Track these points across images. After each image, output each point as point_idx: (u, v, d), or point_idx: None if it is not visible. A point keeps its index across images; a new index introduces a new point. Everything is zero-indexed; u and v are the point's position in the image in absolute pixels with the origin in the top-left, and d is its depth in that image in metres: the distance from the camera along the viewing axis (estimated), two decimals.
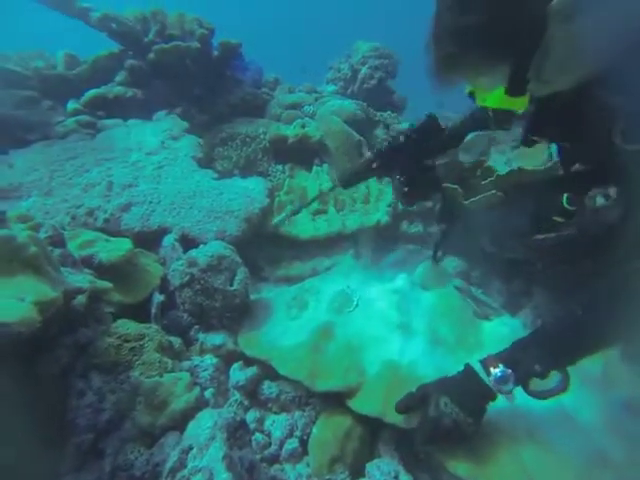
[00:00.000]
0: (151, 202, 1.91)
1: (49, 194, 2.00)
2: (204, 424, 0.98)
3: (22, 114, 2.66)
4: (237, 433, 1.05)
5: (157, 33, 2.67)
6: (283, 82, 3.62)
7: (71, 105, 2.78)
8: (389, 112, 3.05)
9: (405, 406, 1.07)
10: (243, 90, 2.92)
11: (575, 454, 1.01)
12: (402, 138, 1.52)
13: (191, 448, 0.93)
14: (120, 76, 2.72)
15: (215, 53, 2.83)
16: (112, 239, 1.60)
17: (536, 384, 1.04)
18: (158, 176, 2.07)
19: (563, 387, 1.02)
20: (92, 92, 2.61)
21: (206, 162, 2.39)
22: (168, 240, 1.81)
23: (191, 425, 1.01)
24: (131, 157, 2.17)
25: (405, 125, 3.00)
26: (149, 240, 1.83)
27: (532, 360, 1.02)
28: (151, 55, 2.56)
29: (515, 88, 0.87)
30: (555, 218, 1.42)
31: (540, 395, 1.04)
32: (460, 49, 0.86)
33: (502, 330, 1.45)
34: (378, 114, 2.99)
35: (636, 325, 0.98)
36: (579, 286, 1.33)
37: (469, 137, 1.63)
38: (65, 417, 1.01)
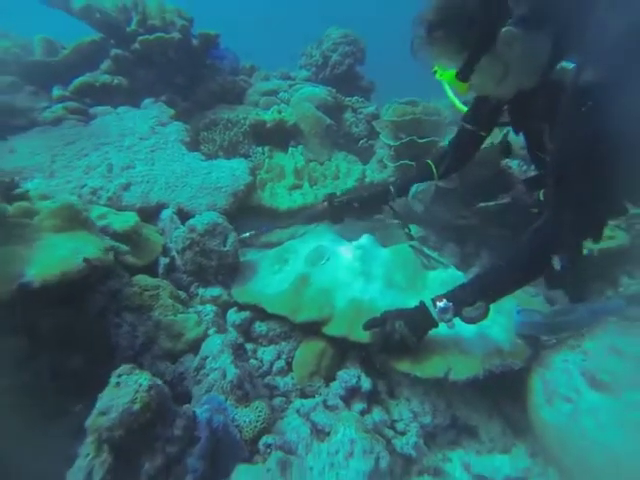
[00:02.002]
0: (148, 182, 2.18)
1: (52, 176, 2.22)
2: (215, 341, 1.32)
3: (5, 99, 2.79)
4: (238, 351, 1.39)
5: (139, 23, 2.85)
6: (259, 69, 3.85)
7: (57, 91, 2.93)
8: (356, 97, 3.36)
9: (371, 325, 1.44)
10: (222, 78, 3.16)
11: (481, 350, 1.42)
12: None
13: (207, 357, 1.27)
14: (105, 64, 2.90)
15: (195, 43, 3.04)
16: (120, 213, 1.88)
17: (467, 312, 1.41)
18: (152, 159, 2.33)
19: (484, 315, 1.40)
20: (80, 80, 2.78)
21: (192, 146, 2.65)
22: (166, 213, 2.10)
23: (205, 344, 1.35)
24: (125, 142, 2.41)
25: (371, 108, 3.32)
26: (148, 215, 2.10)
27: (466, 295, 1.39)
28: (135, 45, 2.75)
29: (462, 77, 1.18)
30: None
31: (469, 320, 1.41)
32: (431, 37, 1.18)
33: (442, 276, 1.83)
34: (346, 99, 3.29)
35: None
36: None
37: (416, 187, 2.02)
38: (108, 342, 1.33)
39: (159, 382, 0.90)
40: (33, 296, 1.10)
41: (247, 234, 2.05)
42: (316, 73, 4.13)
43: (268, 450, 1.06)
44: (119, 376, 0.87)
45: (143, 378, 0.85)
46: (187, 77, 3.07)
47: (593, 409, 1.13)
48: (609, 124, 0.96)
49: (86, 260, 1.02)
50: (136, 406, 0.81)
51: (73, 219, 1.13)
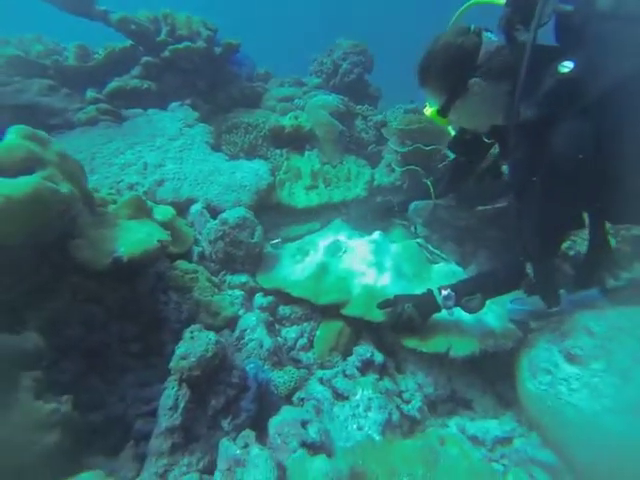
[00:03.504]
0: (179, 179, 2.41)
1: (92, 172, 2.45)
2: (251, 318, 1.56)
3: (46, 100, 3.04)
4: (270, 327, 1.63)
5: (168, 33, 3.09)
6: (273, 75, 4.09)
7: (90, 94, 3.16)
8: (366, 106, 3.60)
9: (384, 305, 1.68)
10: (241, 84, 3.39)
11: (477, 332, 1.66)
12: None
13: (245, 329, 1.51)
14: (136, 70, 3.13)
15: (218, 50, 3.27)
16: (158, 206, 2.11)
17: (467, 303, 1.65)
18: (181, 158, 2.57)
19: (481, 306, 1.64)
20: (114, 84, 3.02)
21: (215, 146, 2.88)
22: (195, 208, 2.33)
23: (242, 319, 1.58)
24: (156, 142, 2.64)
25: (379, 116, 3.57)
26: (179, 209, 2.33)
27: (467, 289, 1.64)
28: (166, 53, 2.99)
29: (441, 114, 1.51)
30: None
31: (468, 310, 1.65)
32: (421, 84, 1.52)
33: (445, 269, 2.07)
34: (357, 107, 3.53)
35: None
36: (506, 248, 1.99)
37: (415, 205, 2.27)
38: (158, 316, 1.55)
39: (221, 339, 1.13)
40: (101, 273, 1.34)
41: (277, 240, 2.27)
42: (327, 80, 4.37)
43: (301, 403, 1.29)
44: (192, 332, 1.10)
45: (211, 334, 1.08)
46: (209, 82, 3.31)
47: (567, 378, 1.37)
48: (543, 152, 1.27)
49: (160, 241, 1.25)
50: (209, 353, 1.03)
51: (141, 209, 1.35)
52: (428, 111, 1.56)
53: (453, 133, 1.97)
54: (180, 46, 2.93)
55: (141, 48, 3.26)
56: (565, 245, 2.40)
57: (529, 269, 1.56)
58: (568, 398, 1.33)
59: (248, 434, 0.97)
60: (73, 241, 1.09)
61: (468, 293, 1.62)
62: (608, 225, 2.20)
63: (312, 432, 1.04)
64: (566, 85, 1.30)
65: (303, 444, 0.99)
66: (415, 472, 1.08)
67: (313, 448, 1.00)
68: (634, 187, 1.30)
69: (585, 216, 1.58)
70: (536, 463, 1.36)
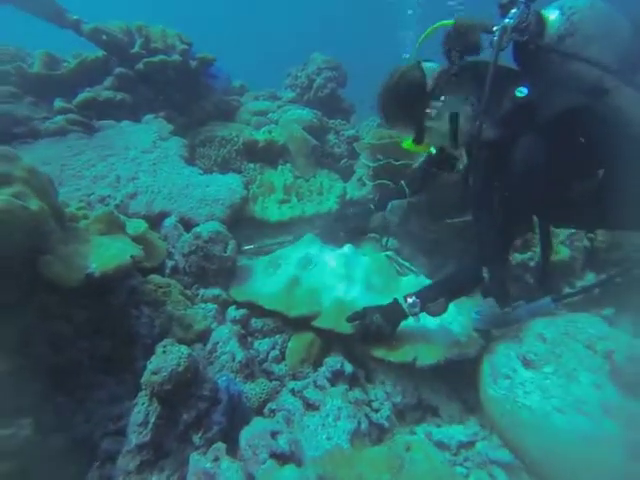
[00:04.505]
0: (152, 192, 2.42)
1: (62, 184, 2.41)
2: (224, 330, 1.58)
3: (7, 108, 2.96)
4: (242, 340, 1.65)
5: (142, 45, 3.10)
6: (248, 89, 4.15)
7: (58, 103, 3.11)
8: (339, 120, 3.71)
9: (353, 318, 1.74)
10: (216, 97, 3.43)
11: (443, 342, 1.75)
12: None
13: (218, 342, 1.53)
14: (108, 81, 3.12)
15: (193, 64, 3.30)
16: (131, 220, 2.10)
17: (431, 307, 1.74)
18: (154, 171, 2.57)
19: (444, 309, 1.73)
20: (85, 94, 2.99)
21: (189, 160, 2.89)
22: (169, 221, 2.33)
23: (215, 332, 1.60)
24: (129, 154, 2.64)
25: (352, 131, 3.68)
26: (151, 222, 2.32)
27: (430, 294, 1.74)
28: (140, 66, 3.00)
29: (417, 142, 1.66)
30: None
31: (432, 313, 1.74)
32: (386, 118, 1.70)
33: (413, 282, 2.15)
34: (330, 122, 3.64)
35: None
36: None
37: (392, 204, 2.51)
38: (130, 331, 1.55)
39: (194, 352, 1.15)
40: (71, 290, 1.34)
41: (251, 246, 2.32)
42: (301, 94, 4.48)
43: (272, 414, 1.32)
44: (164, 346, 1.11)
45: (184, 348, 1.11)
46: (184, 95, 3.33)
47: (523, 381, 1.46)
48: (501, 168, 1.44)
49: (132, 257, 1.26)
50: (181, 367, 1.06)
51: (113, 223, 1.36)
52: (406, 144, 1.68)
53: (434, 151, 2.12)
54: (155, 59, 2.95)
55: (114, 59, 3.25)
56: (526, 256, 2.55)
57: (485, 273, 1.69)
58: (523, 400, 1.42)
59: (219, 447, 1.00)
60: (43, 257, 1.10)
61: (431, 298, 1.71)
62: (563, 236, 2.40)
63: (282, 442, 1.08)
64: (522, 109, 1.49)
65: (273, 454, 1.02)
66: (381, 478, 1.13)
67: (283, 458, 1.03)
68: (578, 195, 1.61)
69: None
70: (495, 463, 1.44)
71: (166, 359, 1.07)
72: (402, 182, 2.47)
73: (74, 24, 3.06)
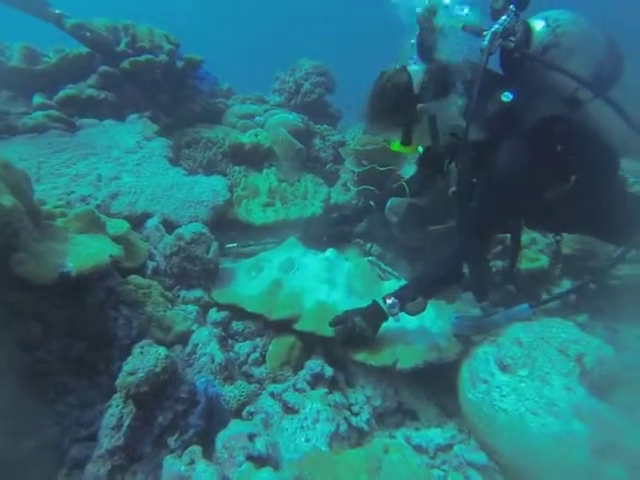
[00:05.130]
0: (135, 192, 2.38)
1: (39, 181, 2.36)
2: (204, 332, 1.57)
3: None
4: (222, 342, 1.64)
5: (128, 44, 3.07)
6: (235, 92, 4.14)
7: (37, 99, 3.05)
8: (325, 126, 3.73)
9: (335, 322, 1.75)
10: (203, 99, 3.42)
11: (422, 347, 1.76)
12: None
13: (197, 344, 1.51)
14: (92, 79, 3.07)
15: (180, 64, 3.28)
16: (112, 219, 2.07)
17: (410, 307, 1.77)
18: (138, 171, 2.54)
19: (422, 308, 1.76)
20: (67, 91, 2.93)
21: (174, 161, 2.86)
22: (152, 222, 2.30)
23: (195, 334, 1.59)
24: (112, 154, 2.60)
25: (338, 136, 3.71)
26: (133, 223, 2.29)
27: (408, 293, 1.76)
28: (125, 64, 2.96)
29: (405, 143, 1.69)
30: None
31: (411, 312, 1.76)
32: (373, 120, 1.72)
33: (395, 286, 2.16)
34: (316, 126, 3.66)
35: None
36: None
37: (391, 202, 2.52)
38: (107, 332, 1.52)
39: (171, 354, 1.13)
40: (44, 289, 1.31)
41: (234, 244, 2.31)
42: (288, 99, 4.48)
43: (250, 417, 1.31)
44: (142, 347, 1.10)
45: (161, 349, 1.09)
46: (170, 96, 3.30)
47: (500, 385, 1.49)
48: (493, 170, 1.48)
49: (112, 256, 1.24)
50: (158, 368, 1.04)
51: (93, 222, 1.34)
52: (395, 146, 1.71)
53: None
54: (141, 59, 2.92)
55: (98, 57, 3.20)
56: (504, 263, 2.62)
57: (465, 269, 1.74)
58: (500, 404, 1.45)
59: (194, 449, 0.98)
60: (15, 255, 1.07)
61: (410, 297, 1.74)
62: (542, 245, 2.47)
63: (259, 445, 1.07)
64: (506, 113, 1.57)
65: (249, 457, 1.01)
66: (359, 479, 1.13)
67: (260, 461, 1.03)
68: (551, 199, 1.70)
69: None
70: (471, 466, 1.46)
71: (143, 360, 1.05)
72: (403, 182, 2.50)
73: (56, 18, 3.01)
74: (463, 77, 1.60)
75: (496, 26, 1.54)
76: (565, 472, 1.22)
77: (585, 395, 1.34)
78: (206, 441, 1.17)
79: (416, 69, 1.65)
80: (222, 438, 1.08)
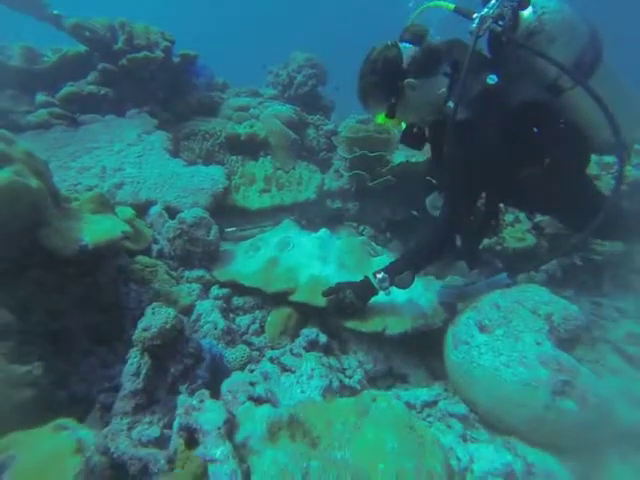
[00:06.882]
0: (138, 182, 2.53)
1: None
2: (207, 304, 1.72)
3: None
4: (224, 313, 1.79)
5: (125, 42, 3.19)
6: (230, 85, 4.27)
7: (40, 97, 3.18)
8: (318, 116, 3.86)
9: (328, 292, 1.89)
10: (199, 93, 3.55)
11: (410, 315, 1.92)
12: None
13: (201, 313, 1.66)
14: (92, 76, 3.20)
15: (176, 60, 3.41)
16: (118, 207, 2.21)
17: (399, 280, 1.91)
18: (140, 163, 2.68)
19: (411, 281, 1.90)
20: (68, 89, 3.07)
21: (173, 153, 3.00)
22: (155, 209, 2.45)
23: (198, 305, 1.74)
24: (115, 147, 2.74)
25: (330, 126, 3.84)
26: (138, 211, 2.44)
27: (397, 268, 1.90)
28: (123, 61, 3.09)
29: (389, 116, 1.76)
30: None
31: (400, 286, 1.91)
32: (364, 93, 1.78)
33: (384, 261, 2.31)
34: (309, 117, 3.79)
35: None
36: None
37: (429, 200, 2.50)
38: (120, 305, 1.68)
39: (179, 314, 1.29)
40: (65, 264, 1.46)
41: (233, 229, 2.45)
42: (282, 91, 4.61)
43: (251, 373, 1.46)
44: (153, 308, 1.25)
45: (171, 310, 1.24)
46: (167, 91, 3.43)
47: (479, 345, 1.64)
48: (474, 148, 1.57)
49: (123, 232, 1.39)
50: (169, 324, 1.19)
51: (104, 204, 1.49)
52: (379, 118, 1.80)
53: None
54: (139, 55, 3.05)
55: (97, 54, 3.32)
56: (492, 241, 2.76)
57: (458, 240, 1.87)
58: (478, 360, 1.60)
59: (204, 392, 1.13)
60: (42, 230, 1.22)
61: (399, 272, 1.87)
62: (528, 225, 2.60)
63: (259, 390, 1.22)
64: (490, 95, 1.65)
65: (251, 398, 1.17)
66: (348, 420, 1.28)
67: (259, 402, 1.18)
68: (525, 178, 1.79)
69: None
70: (453, 416, 1.61)
71: (155, 318, 1.20)
72: (427, 177, 2.50)
73: (54, 19, 3.13)
74: (452, 57, 1.69)
75: (485, 10, 1.62)
76: (529, 410, 1.38)
77: (551, 347, 1.49)
78: (212, 393, 1.32)
79: (407, 46, 1.70)
80: (226, 384, 1.23)
